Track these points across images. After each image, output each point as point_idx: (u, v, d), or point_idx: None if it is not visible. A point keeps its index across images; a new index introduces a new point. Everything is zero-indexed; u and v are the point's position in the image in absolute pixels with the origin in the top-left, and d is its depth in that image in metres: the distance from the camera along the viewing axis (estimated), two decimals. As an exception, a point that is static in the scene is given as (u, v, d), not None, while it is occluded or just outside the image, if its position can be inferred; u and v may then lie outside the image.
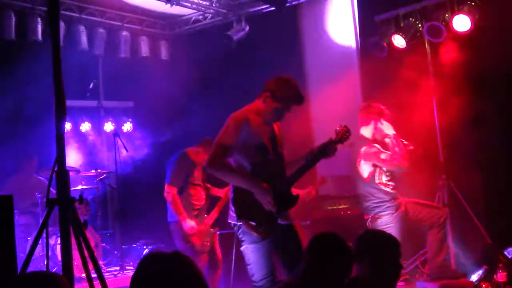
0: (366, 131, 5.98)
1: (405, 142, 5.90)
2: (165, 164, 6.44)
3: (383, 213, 5.81)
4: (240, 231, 4.29)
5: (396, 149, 5.76)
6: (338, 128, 4.50)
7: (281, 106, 4.32)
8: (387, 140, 5.85)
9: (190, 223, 6.12)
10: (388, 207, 5.82)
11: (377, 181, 5.85)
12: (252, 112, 4.35)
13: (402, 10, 7.56)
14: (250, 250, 4.26)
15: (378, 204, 5.86)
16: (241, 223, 4.24)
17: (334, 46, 8.55)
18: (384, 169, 5.85)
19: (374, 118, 5.93)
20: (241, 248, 4.35)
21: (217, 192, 6.59)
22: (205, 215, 6.41)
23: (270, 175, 4.27)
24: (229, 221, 4.40)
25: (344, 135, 4.47)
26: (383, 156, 5.80)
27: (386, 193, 5.85)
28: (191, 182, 6.30)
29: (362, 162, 5.92)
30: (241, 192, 4.25)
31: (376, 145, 5.90)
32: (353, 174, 6.24)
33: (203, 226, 6.28)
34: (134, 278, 2.16)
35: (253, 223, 4.19)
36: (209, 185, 6.56)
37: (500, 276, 5.69)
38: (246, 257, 4.30)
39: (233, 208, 4.30)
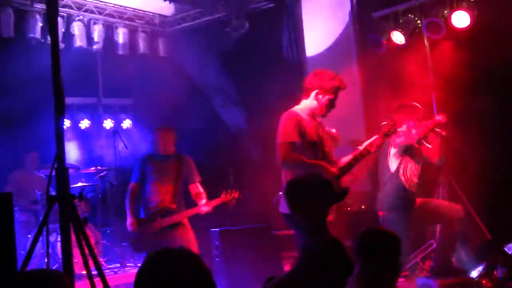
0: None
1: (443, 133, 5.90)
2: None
3: (394, 209, 5.86)
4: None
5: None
6: (383, 122, 4.74)
7: (333, 96, 4.61)
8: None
9: (128, 221, 6.00)
10: (400, 205, 5.85)
11: (401, 177, 5.85)
12: (301, 111, 4.62)
13: (401, 6, 7.56)
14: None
15: (392, 200, 5.89)
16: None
17: (333, 42, 8.54)
18: (410, 165, 5.87)
19: (407, 118, 5.90)
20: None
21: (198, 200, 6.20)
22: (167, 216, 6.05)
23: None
24: (281, 211, 4.57)
25: (390, 128, 4.69)
26: (414, 131, 5.80)
27: (405, 189, 5.85)
28: (153, 179, 6.09)
29: (392, 151, 5.91)
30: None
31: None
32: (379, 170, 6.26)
33: (147, 228, 6.01)
34: (140, 273, 2.13)
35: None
36: (197, 190, 6.22)
37: (500, 272, 5.69)
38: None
39: (286, 199, 4.43)
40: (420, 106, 5.95)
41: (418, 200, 5.91)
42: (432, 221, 6.06)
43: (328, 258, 3.22)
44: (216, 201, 6.16)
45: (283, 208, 4.51)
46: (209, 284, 2.13)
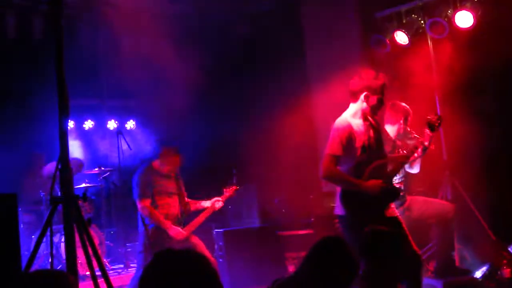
0: (390, 129, 5.94)
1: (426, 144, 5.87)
2: (131, 180, 6.06)
3: None
4: (345, 224, 4.57)
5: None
6: (429, 116, 4.89)
7: (382, 95, 4.66)
8: (409, 142, 5.78)
9: (176, 229, 5.83)
10: None
11: None
12: (352, 116, 4.64)
13: (404, 6, 7.55)
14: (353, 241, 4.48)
15: None
16: (348, 216, 4.52)
17: (336, 42, 8.53)
18: None
19: (401, 117, 5.89)
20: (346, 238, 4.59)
21: (197, 205, 6.24)
22: (181, 227, 5.97)
23: (373, 171, 4.53)
24: (336, 213, 4.64)
25: (436, 122, 4.87)
26: None
27: None
28: (159, 192, 5.94)
29: None
30: (350, 190, 4.53)
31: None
32: None
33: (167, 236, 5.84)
34: (145, 274, 2.12)
35: (359, 218, 4.45)
36: (188, 200, 6.21)
37: (504, 272, 5.69)
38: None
39: (340, 202, 4.56)
40: (410, 110, 5.95)
41: (409, 198, 5.88)
42: (424, 219, 5.96)
43: (331, 258, 3.21)
44: (225, 196, 6.27)
45: (338, 210, 4.59)
46: (215, 286, 2.12)
